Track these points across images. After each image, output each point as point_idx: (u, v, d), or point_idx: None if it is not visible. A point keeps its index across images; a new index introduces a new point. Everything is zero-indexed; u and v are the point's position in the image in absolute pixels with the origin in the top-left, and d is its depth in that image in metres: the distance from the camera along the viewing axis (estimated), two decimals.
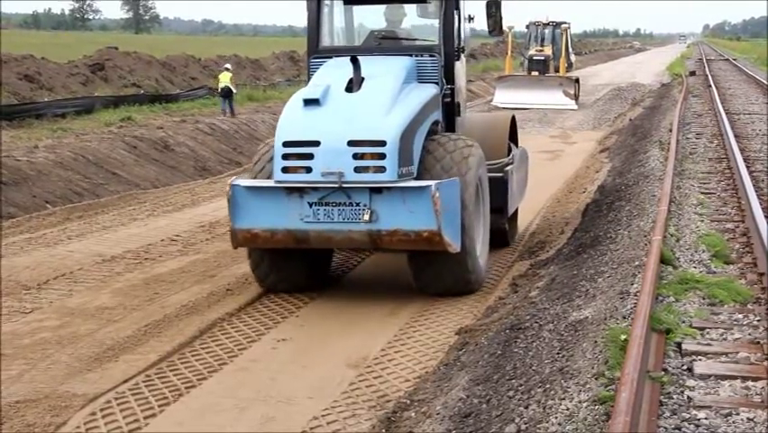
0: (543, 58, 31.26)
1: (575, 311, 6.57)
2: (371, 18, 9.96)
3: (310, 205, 7.40)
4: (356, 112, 7.68)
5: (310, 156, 7.45)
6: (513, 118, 10.74)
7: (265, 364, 6.74)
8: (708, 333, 5.93)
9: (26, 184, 13.28)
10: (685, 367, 5.33)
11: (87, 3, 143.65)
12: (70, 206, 13.10)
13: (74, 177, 14.40)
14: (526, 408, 4.91)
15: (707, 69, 46.30)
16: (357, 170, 7.39)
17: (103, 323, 7.71)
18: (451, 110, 9.11)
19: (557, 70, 31.12)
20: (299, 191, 7.42)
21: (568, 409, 4.67)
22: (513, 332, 6.48)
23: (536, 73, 30.80)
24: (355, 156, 7.40)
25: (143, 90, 25.71)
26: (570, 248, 9.45)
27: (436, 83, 8.75)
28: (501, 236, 9.99)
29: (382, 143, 7.42)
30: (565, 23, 33.00)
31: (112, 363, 6.77)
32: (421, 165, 7.93)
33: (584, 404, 4.67)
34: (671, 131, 17.63)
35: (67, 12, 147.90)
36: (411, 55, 8.76)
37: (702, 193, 11.19)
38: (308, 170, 7.44)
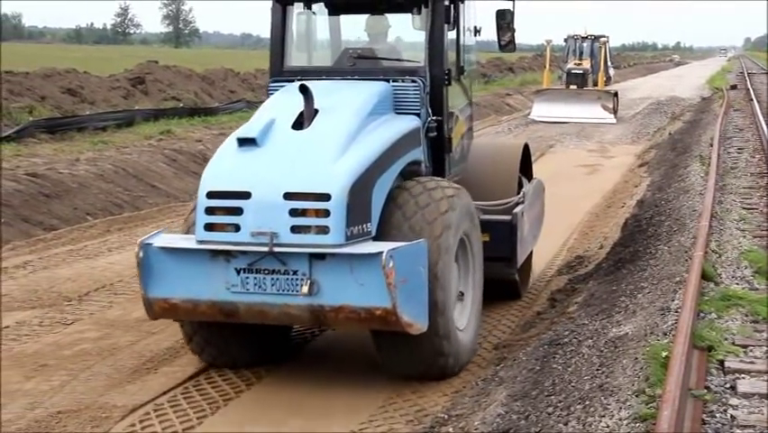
0: (581, 71, 31.10)
1: (615, 327, 6.51)
2: (354, 31, 8.31)
3: (238, 271, 5.89)
4: (299, 156, 6.11)
5: (239, 211, 5.90)
6: (525, 147, 9.20)
7: (308, 374, 6.74)
8: (751, 351, 5.85)
9: (68, 196, 13.45)
10: (728, 385, 5.26)
11: (129, 17, 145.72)
12: (111, 218, 13.25)
13: (114, 189, 14.56)
14: (566, 424, 4.86)
15: (748, 82, 45.79)
16: (294, 229, 5.81)
17: (142, 335, 7.77)
18: (439, 146, 7.32)
19: (596, 84, 30.94)
20: (226, 254, 5.91)
21: (608, 427, 4.62)
22: (551, 347, 6.44)
23: (575, 87, 30.63)
24: (293, 212, 5.83)
25: (183, 103, 25.94)
26: (609, 263, 9.37)
27: (418, 114, 7.04)
28: (510, 288, 8.47)
29: (325, 197, 5.81)
30: (604, 36, 32.83)
31: (151, 374, 6.82)
32: (386, 221, 6.30)
33: (625, 422, 4.62)
34: (711, 145, 17.46)
35: (108, 26, 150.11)
36: (389, 80, 7.08)
37: (744, 208, 11.05)
38: (237, 228, 5.89)
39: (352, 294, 5.74)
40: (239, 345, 6.66)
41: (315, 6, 7.75)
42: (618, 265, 8.98)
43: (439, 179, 6.83)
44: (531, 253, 9.16)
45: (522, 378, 5.97)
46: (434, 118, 7.17)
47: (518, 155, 8.78)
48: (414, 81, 7.05)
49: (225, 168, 6.19)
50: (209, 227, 5.98)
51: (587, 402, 5.06)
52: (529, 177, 9.29)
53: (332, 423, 5.91)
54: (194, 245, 6.01)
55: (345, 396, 6.34)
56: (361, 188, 6.00)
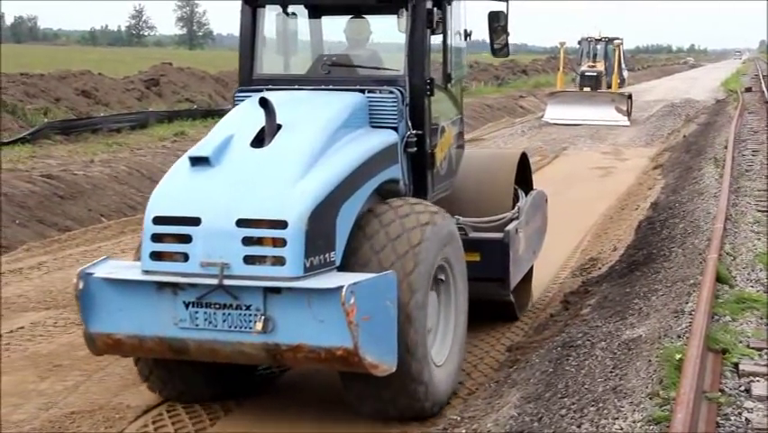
0: (595, 74, 31.03)
1: (628, 329, 6.49)
2: (335, 36, 7.56)
3: (186, 305, 5.31)
4: (256, 177, 5.50)
5: (187, 238, 5.32)
6: (523, 157, 8.53)
7: (322, 374, 6.75)
8: (766, 353, 5.82)
9: (82, 198, 13.52)
10: (743, 388, 5.23)
11: (143, 19, 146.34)
12: (125, 219, 13.30)
13: (128, 191, 14.62)
14: (579, 427, 4.85)
15: (763, 84, 45.57)
16: (248, 260, 5.22)
17: None
18: (420, 163, 6.64)
19: (609, 86, 30.86)
20: (173, 286, 5.33)
21: (622, 429, 4.61)
22: (565, 350, 6.42)
23: (588, 89, 30.56)
24: (246, 241, 5.23)
25: (196, 105, 26.02)
26: (622, 266, 9.34)
27: (395, 127, 6.39)
28: (505, 310, 7.86)
29: (281, 225, 5.22)
30: (618, 38, 32.74)
31: None
32: (353, 252, 5.68)
33: (638, 424, 4.60)
34: (726, 147, 17.39)
35: (123, 28, 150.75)
36: (364, 90, 6.42)
37: (759, 211, 11.00)
38: (185, 257, 5.31)
39: (311, 332, 5.15)
40: (202, 381, 6.09)
41: (287, 9, 7.11)
42: (632, 267, 8.95)
43: (415, 201, 6.10)
44: (531, 268, 8.62)
45: (535, 380, 5.96)
46: (414, 132, 6.49)
47: (514, 166, 8.16)
48: (391, 92, 6.39)
49: (174, 190, 5.58)
50: (156, 256, 5.39)
51: (600, 405, 5.05)
52: (528, 188, 8.68)
53: (345, 422, 5.90)
54: (138, 276, 5.42)
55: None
56: (323, 214, 5.38)
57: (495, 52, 7.45)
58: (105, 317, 5.48)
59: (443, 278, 6.14)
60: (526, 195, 8.41)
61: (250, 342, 5.24)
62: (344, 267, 5.55)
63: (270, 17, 7.03)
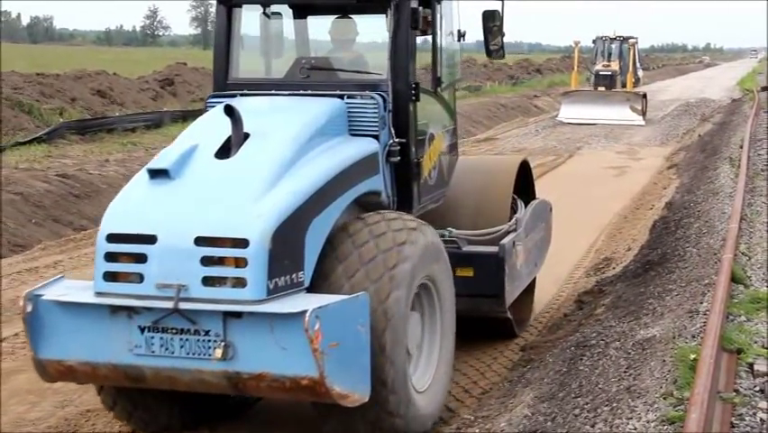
0: (610, 73, 30.94)
1: (642, 329, 6.48)
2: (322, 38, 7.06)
3: (141, 330, 4.90)
4: (218, 191, 5.10)
5: (142, 258, 4.92)
6: (524, 164, 8.06)
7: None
8: None
9: (97, 197, 13.57)
10: (758, 388, 5.22)
11: (158, 19, 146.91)
12: None
13: None
14: (593, 426, 4.85)
15: None
16: (207, 282, 4.81)
17: None
18: (404, 173, 6.17)
19: (624, 86, 30.78)
20: (127, 310, 4.91)
21: (636, 429, 4.60)
22: (578, 349, 6.42)
23: (603, 88, 30.47)
24: (205, 261, 4.82)
25: None
26: (636, 265, 9.32)
27: (376, 136, 5.97)
28: (502, 327, 7.39)
29: (242, 243, 4.81)
30: (633, 37, 32.65)
31: None
32: (325, 274, 5.23)
33: (652, 424, 4.60)
34: (741, 147, 17.32)
35: (138, 28, 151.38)
36: (343, 96, 5.99)
37: None
38: (140, 278, 4.91)
39: (274, 360, 4.73)
40: (169, 410, 5.68)
41: (268, 9, 6.69)
42: (646, 267, 8.93)
43: (393, 216, 5.59)
44: (534, 281, 8.18)
45: (549, 380, 5.96)
46: (398, 141, 6.04)
47: (513, 174, 7.65)
48: (371, 97, 5.96)
49: (130, 206, 5.16)
50: (109, 277, 4.97)
51: (614, 404, 5.04)
52: (530, 197, 8.22)
53: None
54: (90, 298, 5.00)
55: None
56: (289, 231, 4.96)
57: (490, 54, 6.94)
58: (55, 342, 5.03)
59: (426, 297, 5.70)
60: (527, 204, 7.94)
61: (209, 370, 4.82)
62: (316, 288, 5.14)
63: (248, 17, 6.61)
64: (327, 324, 4.64)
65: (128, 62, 40.81)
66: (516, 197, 7.70)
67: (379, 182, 5.95)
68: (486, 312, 6.97)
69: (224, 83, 6.43)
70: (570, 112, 29.06)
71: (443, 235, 6.42)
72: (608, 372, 5.69)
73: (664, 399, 4.89)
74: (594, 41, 33.60)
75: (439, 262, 5.73)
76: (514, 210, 7.60)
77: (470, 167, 7.67)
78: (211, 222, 4.92)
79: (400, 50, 6.12)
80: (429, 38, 6.55)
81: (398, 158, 6.06)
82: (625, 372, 5.59)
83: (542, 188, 15.59)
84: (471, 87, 37.53)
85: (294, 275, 4.99)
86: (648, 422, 4.63)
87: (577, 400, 5.36)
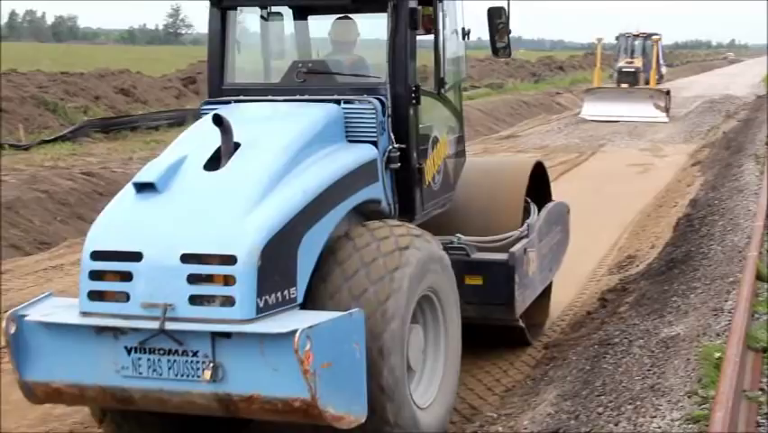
0: (633, 70, 30.76)
1: (666, 327, 6.45)
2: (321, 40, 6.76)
3: (128, 351, 4.71)
4: (206, 205, 4.90)
5: (128, 276, 4.73)
6: (538, 166, 7.75)
7: None
8: None
9: None
10: None
11: (180, 18, 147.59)
12: None
13: None
14: (616, 425, 4.84)
15: None
16: (194, 300, 4.62)
17: None
18: (406, 180, 5.95)
19: (647, 82, 30.57)
20: (113, 330, 4.73)
21: (660, 428, 4.58)
22: (602, 347, 6.40)
23: (626, 85, 30.30)
24: (192, 279, 4.64)
25: None
26: (660, 263, 9.28)
27: (374, 142, 5.73)
28: (515, 335, 7.17)
29: (230, 260, 4.61)
30: (656, 34, 32.43)
31: None
32: (324, 277, 5.08)
33: (677, 423, 4.58)
34: (767, 144, 17.16)
35: (161, 27, 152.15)
36: (339, 101, 5.76)
37: None
38: (127, 297, 4.72)
39: (265, 381, 4.53)
40: (160, 426, 5.45)
41: (266, 10, 6.45)
42: (670, 265, 8.88)
43: (395, 223, 5.45)
44: (550, 285, 7.93)
45: (572, 378, 5.95)
46: (398, 146, 5.81)
47: (525, 177, 7.33)
48: (369, 102, 5.72)
49: (115, 222, 4.96)
50: (94, 296, 4.79)
51: (638, 403, 5.03)
52: (546, 200, 7.90)
53: None
54: (75, 319, 4.82)
55: None
56: (280, 246, 4.76)
57: (496, 52, 6.66)
58: (41, 364, 4.84)
59: (429, 310, 5.49)
60: (541, 208, 7.64)
61: (199, 392, 4.62)
62: (314, 296, 5.00)
63: (243, 20, 6.40)
64: (319, 343, 4.42)
65: (151, 61, 41.00)
66: (529, 200, 7.41)
67: (378, 190, 5.72)
68: (497, 320, 6.77)
69: (219, 89, 6.16)
70: (592, 109, 28.91)
71: (451, 242, 6.34)
72: (632, 370, 5.67)
73: (689, 397, 4.87)
74: (617, 38, 33.40)
75: (443, 274, 5.51)
76: (527, 214, 7.32)
77: (481, 170, 7.40)
78: (198, 238, 4.71)
79: (399, 52, 5.86)
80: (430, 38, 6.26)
81: (399, 164, 5.82)
82: (648, 370, 5.57)
83: (564, 185, 15.59)
84: (494, 84, 37.43)
85: (286, 292, 4.78)
86: (672, 421, 4.61)
87: (600, 398, 5.35)
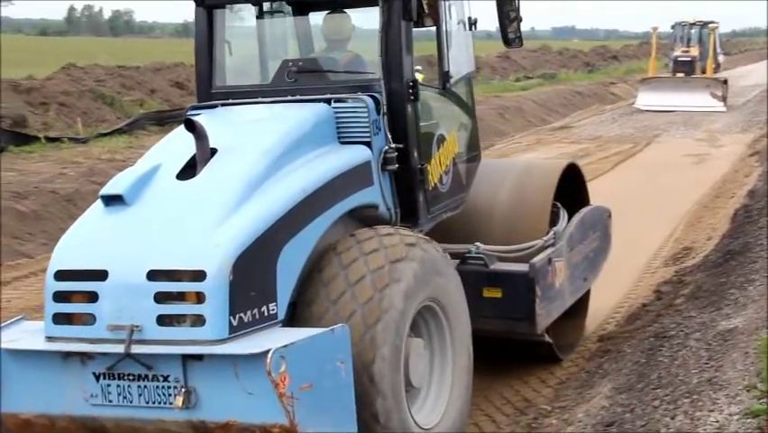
0: (689, 59, 30.29)
1: (724, 320, 6.36)
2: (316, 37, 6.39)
3: (96, 377, 4.36)
4: (176, 218, 4.54)
5: (93, 297, 4.39)
6: (571, 168, 7.18)
7: None
8: None
9: None
10: None
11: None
12: None
13: None
14: (673, 418, 4.79)
15: None
16: (162, 321, 4.28)
17: None
18: (406, 182, 5.54)
19: (704, 72, 30.09)
20: (81, 355, 4.39)
21: (717, 422, 4.53)
22: (657, 340, 6.34)
23: (682, 75, 29.84)
24: (159, 297, 4.29)
25: None
26: (717, 255, 9.15)
27: (367, 142, 5.33)
28: (542, 350, 6.65)
29: (199, 276, 4.25)
30: (713, 22, 31.88)
31: None
32: (309, 301, 4.73)
33: (735, 417, 4.52)
34: None
35: None
36: (330, 101, 5.38)
37: None
38: (93, 319, 4.39)
39: (241, 407, 4.16)
40: None
41: (245, 8, 6.11)
42: (727, 257, 8.75)
43: (388, 231, 5.01)
44: (587, 296, 7.35)
45: (627, 370, 5.90)
46: (395, 146, 5.40)
47: (554, 180, 6.77)
48: (361, 100, 5.33)
49: (81, 238, 4.62)
50: (60, 319, 4.47)
51: (695, 396, 4.97)
52: (580, 205, 7.29)
53: None
54: (39, 345, 4.50)
55: None
56: (255, 259, 4.39)
57: (508, 42, 6.24)
58: (9, 393, 4.52)
59: (432, 322, 5.10)
60: (574, 214, 7.04)
61: (172, 419, 4.26)
62: (300, 320, 4.66)
63: (232, 18, 6.05)
64: (296, 364, 4.03)
65: None
66: (559, 205, 6.87)
67: (374, 194, 5.33)
68: (518, 335, 6.28)
69: (208, 92, 5.83)
70: (647, 99, 28.54)
71: (469, 251, 6.00)
72: (689, 363, 5.61)
73: (747, 391, 4.79)
74: (673, 27, 32.92)
75: (446, 282, 5.10)
76: (557, 220, 6.82)
77: (507, 172, 6.94)
78: (165, 253, 4.36)
79: (393, 45, 5.47)
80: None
81: (396, 165, 5.40)
82: (706, 363, 5.50)
83: (619, 176, 15.44)
84: (546, 74, 37.15)
85: (263, 308, 4.41)
86: (731, 415, 4.55)
87: (656, 391, 5.30)
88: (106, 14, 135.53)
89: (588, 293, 7.37)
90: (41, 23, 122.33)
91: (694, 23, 31.98)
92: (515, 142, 21.39)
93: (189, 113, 5.52)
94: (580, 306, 7.23)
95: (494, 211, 6.59)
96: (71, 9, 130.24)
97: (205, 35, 5.84)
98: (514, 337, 6.33)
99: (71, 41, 55.91)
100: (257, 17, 6.08)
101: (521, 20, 6.21)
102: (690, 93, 28.15)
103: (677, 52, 31.10)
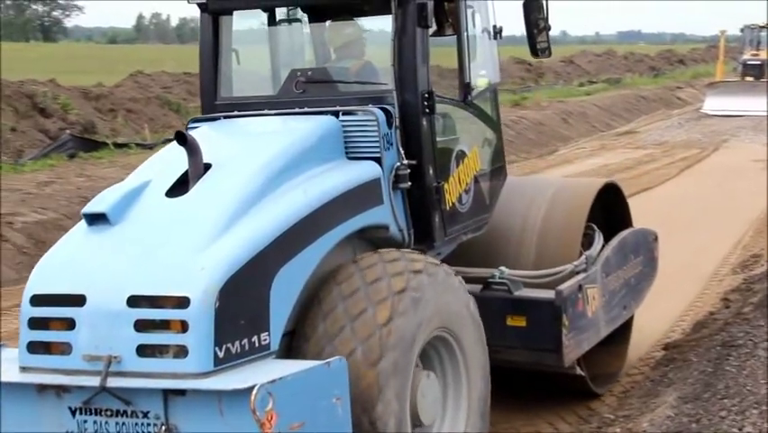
0: (759, 62, 29.71)
1: None
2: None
3: (72, 412, 4.03)
4: (162, 239, 4.18)
5: (70, 324, 4.04)
6: (609, 188, 6.70)
7: None
8: None
9: None
10: None
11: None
12: None
13: None
14: (740, 430, 4.71)
15: None
16: (143, 351, 3.93)
17: None
18: (421, 201, 5.16)
19: None
20: (57, 388, 4.04)
21: None
22: (724, 349, 6.22)
23: (751, 79, 29.30)
24: (140, 325, 3.94)
25: None
26: None
27: (377, 158, 4.95)
28: (576, 384, 6.09)
29: (183, 303, 3.90)
30: None
31: None
32: (307, 335, 4.39)
33: None
34: None
35: None
36: (338, 113, 5.01)
37: None
38: (69, 348, 4.04)
39: None
40: None
41: (253, 15, 5.81)
42: None
43: (393, 256, 4.63)
44: (629, 324, 6.83)
45: (693, 380, 5.81)
46: (407, 163, 5.01)
47: (588, 201, 6.28)
48: (370, 113, 4.96)
49: (60, 259, 4.27)
50: (35, 348, 4.12)
51: (763, 407, 4.88)
52: (621, 227, 6.77)
53: (496, 420, 5.91)
54: (13, 376, 4.14)
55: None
56: (246, 284, 4.03)
57: (536, 53, 5.82)
58: None
59: (445, 352, 4.75)
60: (611, 237, 6.54)
61: None
62: (297, 353, 4.35)
63: (240, 25, 5.71)
64: (285, 401, 3.69)
65: None
66: (594, 228, 6.36)
67: (384, 214, 4.94)
68: (545, 367, 5.77)
69: (212, 104, 5.49)
70: (715, 103, 28.06)
71: (492, 276, 5.61)
72: (757, 373, 5.50)
73: None
74: (742, 30, 32.37)
75: (458, 309, 4.73)
76: (590, 244, 6.31)
77: (537, 191, 6.45)
78: (147, 277, 4.00)
79: (407, 54, 5.08)
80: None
81: (409, 183, 5.03)
82: None
83: (685, 181, 15.20)
84: (611, 79, 36.78)
85: (254, 338, 4.04)
86: None
87: (723, 401, 5.21)
88: (173, 22, 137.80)
89: (631, 319, 6.87)
90: (110, 31, 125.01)
91: (764, 26, 31.38)
92: (578, 148, 21.20)
93: (190, 125, 5.27)
94: (623, 332, 6.75)
95: (523, 233, 6.17)
96: (140, 17, 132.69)
97: (211, 43, 5.51)
98: (541, 370, 5.84)
99: (139, 49, 57.01)
100: (268, 24, 5.75)
101: (550, 28, 5.81)
102: (759, 97, 27.56)
103: (746, 56, 30.57)
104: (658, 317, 7.85)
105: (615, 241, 6.48)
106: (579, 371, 5.91)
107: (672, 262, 9.06)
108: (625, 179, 15.68)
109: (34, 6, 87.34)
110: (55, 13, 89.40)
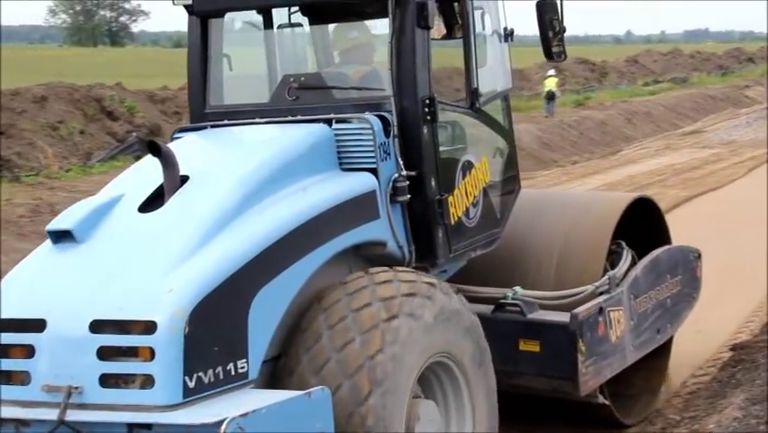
0: None
1: None
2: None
3: None
4: (129, 258, 3.86)
5: (29, 351, 3.75)
6: (641, 202, 6.15)
7: None
8: None
9: None
10: None
11: None
12: None
13: None
14: None
15: None
16: (106, 381, 3.62)
17: None
18: (422, 215, 4.78)
19: None
20: (15, 422, 3.73)
21: None
22: None
23: None
24: (103, 353, 3.63)
25: None
26: None
27: (373, 169, 4.58)
28: (600, 413, 5.58)
29: (149, 328, 3.58)
30: None
31: None
32: (290, 369, 4.04)
33: None
34: None
35: None
36: (330, 121, 4.65)
37: None
38: (28, 378, 3.75)
39: None
40: None
41: (245, 17, 5.51)
42: None
43: (383, 277, 4.23)
44: (668, 347, 6.30)
45: (761, 381, 5.71)
46: (406, 174, 4.65)
47: (615, 216, 5.76)
48: (365, 121, 4.60)
49: (22, 281, 3.97)
50: None
51: None
52: (657, 245, 6.19)
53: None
54: None
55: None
56: (220, 307, 3.70)
57: (550, 56, 5.41)
58: None
59: (446, 378, 4.39)
60: (643, 255, 6.00)
61: None
62: (280, 385, 4.00)
63: (230, 28, 5.41)
64: None
65: None
66: (624, 245, 5.87)
67: (381, 229, 4.58)
68: (564, 395, 5.28)
69: (201, 112, 5.15)
70: None
71: (504, 297, 5.21)
72: None
73: None
74: None
75: (460, 332, 4.36)
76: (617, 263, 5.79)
77: (560, 206, 6.07)
78: (111, 300, 3.68)
79: (405, 57, 4.72)
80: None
81: (408, 196, 4.67)
82: None
83: (753, 181, 14.86)
84: (677, 78, 36.24)
85: (229, 366, 3.70)
86: None
87: None
88: (237, 25, 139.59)
89: (669, 341, 6.33)
90: (175, 35, 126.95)
91: None
92: (642, 148, 20.94)
93: (176, 135, 4.97)
94: (662, 351, 6.21)
95: (543, 251, 5.70)
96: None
97: (199, 47, 5.15)
98: (561, 397, 5.35)
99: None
100: (264, 27, 5.39)
101: (564, 30, 5.41)
102: None
103: None
104: (725, 318, 7.73)
105: (646, 260, 5.94)
106: (601, 400, 5.42)
107: (739, 262, 8.90)
108: (691, 179, 15.45)
109: (102, 12, 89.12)
110: (122, 19, 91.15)
